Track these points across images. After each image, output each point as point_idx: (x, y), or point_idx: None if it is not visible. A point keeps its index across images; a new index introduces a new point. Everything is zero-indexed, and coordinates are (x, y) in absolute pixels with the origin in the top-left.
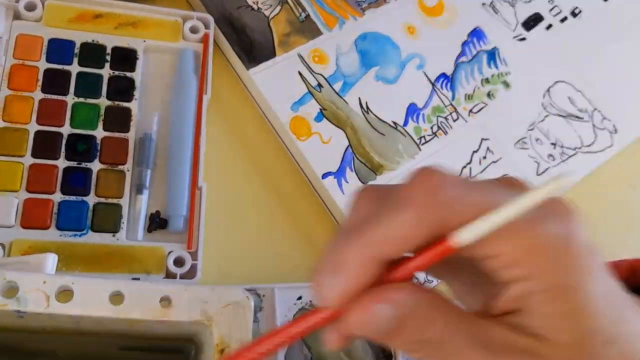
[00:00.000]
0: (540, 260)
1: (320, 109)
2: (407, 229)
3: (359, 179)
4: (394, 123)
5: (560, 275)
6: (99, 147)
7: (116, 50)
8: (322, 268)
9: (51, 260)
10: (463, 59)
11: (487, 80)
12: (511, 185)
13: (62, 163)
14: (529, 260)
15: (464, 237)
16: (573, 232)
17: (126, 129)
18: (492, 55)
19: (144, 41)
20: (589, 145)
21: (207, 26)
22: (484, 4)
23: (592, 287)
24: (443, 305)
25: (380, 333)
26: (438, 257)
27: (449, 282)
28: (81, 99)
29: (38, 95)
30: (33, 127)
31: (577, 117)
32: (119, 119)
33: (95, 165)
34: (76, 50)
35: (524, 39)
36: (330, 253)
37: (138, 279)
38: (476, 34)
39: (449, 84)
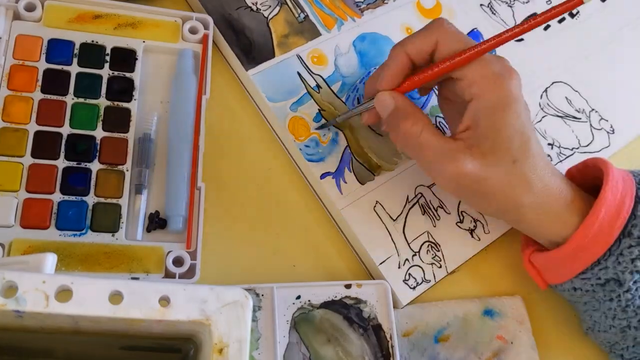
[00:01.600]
0: (487, 83)
1: (319, 110)
2: (423, 39)
3: (357, 179)
4: None
5: (498, 98)
6: (98, 147)
7: (116, 50)
8: (375, 74)
9: (51, 260)
10: None
11: None
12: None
13: (61, 163)
14: (480, 82)
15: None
16: (506, 79)
17: (125, 129)
18: None
19: (144, 42)
20: (586, 146)
21: (206, 27)
22: (481, 4)
23: (516, 113)
24: (419, 119)
25: (385, 113)
26: (442, 72)
27: (445, 114)
28: (81, 100)
29: (38, 95)
30: (33, 127)
31: (574, 117)
32: (118, 119)
33: (95, 165)
34: (76, 51)
35: (521, 39)
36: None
37: (137, 278)
38: (474, 35)
39: None
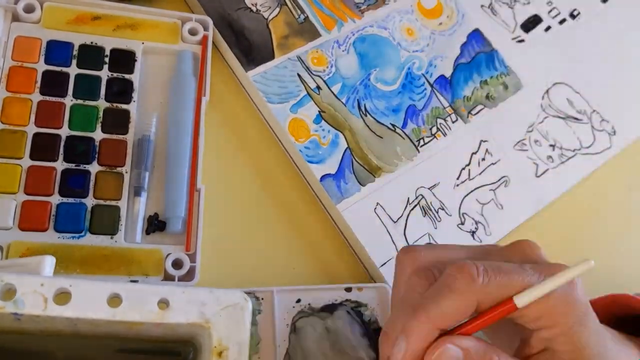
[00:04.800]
0: (556, 314)
1: (319, 111)
2: (458, 308)
3: (357, 181)
4: (392, 125)
5: (571, 322)
6: (97, 149)
7: (115, 52)
8: (392, 335)
9: (49, 262)
10: (462, 60)
11: (485, 82)
12: (523, 256)
13: (60, 165)
14: (549, 314)
15: (521, 301)
16: (573, 292)
17: (125, 130)
18: (491, 57)
19: (143, 43)
20: (587, 147)
21: (205, 28)
22: (482, 5)
23: (590, 327)
24: (494, 349)
25: None
26: (503, 315)
27: (490, 336)
28: (79, 101)
29: (36, 97)
30: (31, 129)
31: (575, 118)
32: (117, 121)
33: (94, 167)
34: (74, 52)
35: (522, 40)
36: (396, 322)
37: (136, 281)
38: (475, 36)
39: (448, 86)
